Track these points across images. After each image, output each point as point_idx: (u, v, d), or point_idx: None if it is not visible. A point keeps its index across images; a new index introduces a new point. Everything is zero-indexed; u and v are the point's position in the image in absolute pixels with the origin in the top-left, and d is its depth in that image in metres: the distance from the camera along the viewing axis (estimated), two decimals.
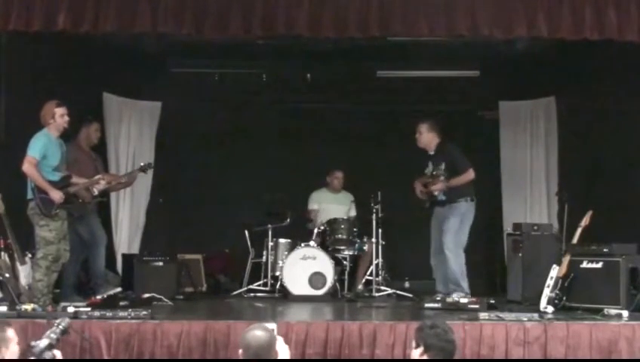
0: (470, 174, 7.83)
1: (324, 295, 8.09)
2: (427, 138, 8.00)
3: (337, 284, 8.34)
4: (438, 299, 7.19)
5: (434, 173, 7.83)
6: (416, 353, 4.02)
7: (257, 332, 4.02)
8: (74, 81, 8.50)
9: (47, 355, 4.07)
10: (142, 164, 8.30)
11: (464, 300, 7.08)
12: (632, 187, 7.95)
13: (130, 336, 5.90)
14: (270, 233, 8.71)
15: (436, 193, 7.85)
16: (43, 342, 4.10)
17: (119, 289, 7.51)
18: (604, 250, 7.14)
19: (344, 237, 8.55)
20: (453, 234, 7.69)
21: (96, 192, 7.46)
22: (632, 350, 5.93)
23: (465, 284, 7.64)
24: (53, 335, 4.18)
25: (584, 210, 7.32)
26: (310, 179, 9.55)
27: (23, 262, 7.05)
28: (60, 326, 4.25)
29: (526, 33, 6.91)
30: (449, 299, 7.17)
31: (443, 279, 7.86)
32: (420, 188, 7.98)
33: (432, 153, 8.01)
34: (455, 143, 8.19)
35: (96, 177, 7.49)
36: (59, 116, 7.04)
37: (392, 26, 6.85)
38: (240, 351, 4.08)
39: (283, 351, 4.16)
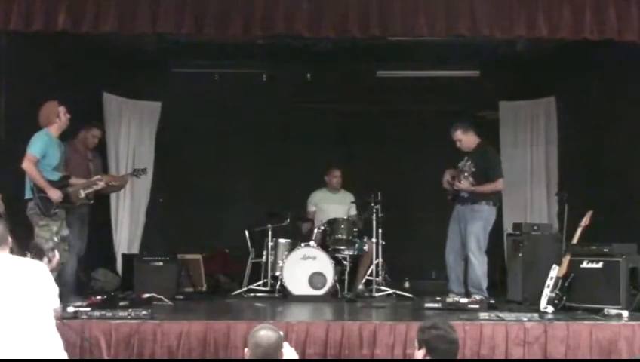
0: (499, 185, 7.81)
1: (324, 295, 8.08)
2: (467, 141, 7.88)
3: (337, 284, 8.33)
4: (438, 299, 7.18)
5: (463, 168, 7.77)
6: (419, 354, 4.01)
7: (267, 332, 4.05)
8: (74, 81, 8.50)
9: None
10: (135, 168, 8.25)
11: (464, 300, 7.09)
12: (632, 187, 7.95)
13: (130, 336, 5.90)
14: (270, 233, 8.71)
15: (456, 187, 7.83)
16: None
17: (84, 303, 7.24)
18: (604, 250, 7.13)
19: (344, 237, 8.54)
20: (477, 239, 7.66)
21: (82, 194, 7.30)
22: (632, 350, 5.93)
23: (485, 286, 7.66)
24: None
25: (584, 210, 7.32)
26: (310, 179, 9.54)
27: None
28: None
29: (526, 33, 6.92)
30: (449, 299, 7.17)
31: (457, 279, 7.84)
32: (448, 178, 7.93)
33: (469, 151, 7.92)
34: (493, 148, 8.14)
35: (95, 178, 7.46)
36: (63, 115, 7.05)
37: (392, 26, 6.86)
38: (245, 350, 4.09)
39: (290, 355, 4.17)
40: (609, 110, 8.52)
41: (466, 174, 7.67)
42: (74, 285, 7.84)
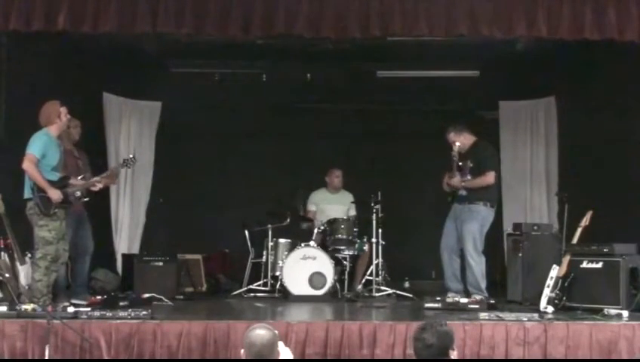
0: (488, 178, 7.77)
1: (324, 295, 8.08)
2: (463, 142, 7.88)
3: (337, 284, 8.33)
4: (438, 299, 7.19)
5: (459, 164, 7.77)
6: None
7: (261, 331, 4.05)
8: (74, 81, 8.50)
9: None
10: (124, 159, 8.20)
11: (464, 300, 7.09)
12: (632, 187, 7.95)
13: (130, 336, 5.90)
14: (270, 233, 8.71)
15: (447, 182, 7.84)
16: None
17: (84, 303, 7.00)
18: (604, 250, 7.13)
19: (344, 237, 8.53)
20: (473, 240, 7.68)
21: (78, 194, 7.22)
22: (632, 350, 5.93)
23: (484, 286, 7.67)
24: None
25: (584, 210, 7.32)
26: (310, 179, 9.54)
27: (22, 262, 7.04)
28: None
29: (526, 33, 6.92)
30: (449, 299, 7.17)
31: (454, 275, 7.85)
32: (446, 180, 7.95)
33: (466, 151, 7.92)
34: (488, 143, 8.17)
35: (93, 179, 7.43)
36: (64, 116, 7.05)
37: (392, 26, 6.85)
38: (242, 351, 4.10)
39: (285, 354, 4.18)
40: (609, 110, 8.51)
41: (460, 164, 7.67)
42: (84, 285, 7.85)
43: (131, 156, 7.96)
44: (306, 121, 10.42)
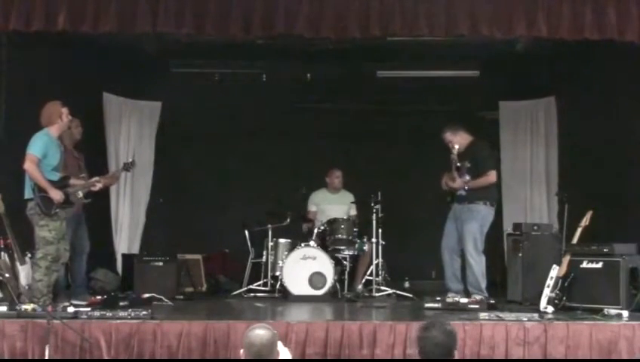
0: (490, 177, 7.77)
1: (324, 295, 8.08)
2: (459, 142, 7.85)
3: (337, 284, 8.33)
4: (438, 299, 7.19)
5: (458, 165, 7.77)
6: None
7: (260, 331, 4.06)
8: (74, 81, 8.50)
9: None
10: (124, 163, 8.20)
11: (464, 300, 7.09)
12: (632, 187, 7.95)
13: (130, 336, 5.90)
14: (270, 233, 8.71)
15: (451, 185, 7.84)
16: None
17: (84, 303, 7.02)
18: (604, 250, 7.14)
19: (344, 237, 8.54)
20: (474, 240, 7.67)
21: (80, 195, 7.21)
22: (632, 350, 5.93)
23: (484, 286, 7.66)
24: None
25: (584, 210, 7.32)
26: (310, 180, 9.54)
27: (23, 262, 7.04)
28: None
29: (526, 33, 6.92)
30: (449, 299, 7.17)
31: (454, 276, 7.85)
32: (445, 180, 7.95)
33: (462, 151, 7.90)
34: (485, 143, 8.16)
35: (93, 179, 7.43)
36: (65, 116, 7.04)
37: (392, 26, 6.86)
38: (241, 351, 4.11)
39: (284, 354, 4.19)
40: (609, 110, 8.51)
41: (458, 165, 7.68)
42: (84, 285, 7.86)
43: (131, 160, 8.00)
44: (306, 121, 10.41)
